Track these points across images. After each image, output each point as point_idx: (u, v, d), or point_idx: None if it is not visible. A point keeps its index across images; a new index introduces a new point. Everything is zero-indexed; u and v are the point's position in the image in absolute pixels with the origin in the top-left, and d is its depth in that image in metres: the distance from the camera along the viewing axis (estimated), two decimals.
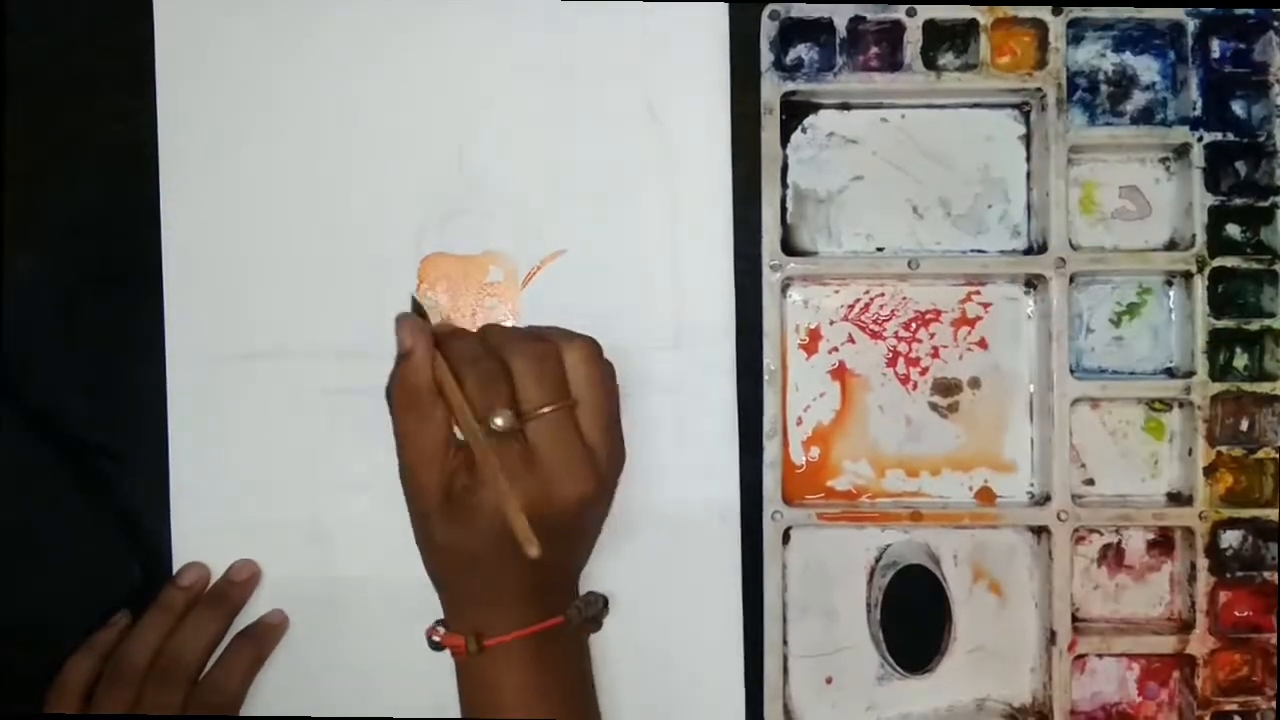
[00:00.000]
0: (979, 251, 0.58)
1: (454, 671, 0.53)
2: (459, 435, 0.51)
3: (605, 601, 0.56)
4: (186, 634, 0.56)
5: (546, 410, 0.50)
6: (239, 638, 0.57)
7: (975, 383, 0.59)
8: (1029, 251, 0.58)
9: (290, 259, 0.58)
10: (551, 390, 0.51)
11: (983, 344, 0.59)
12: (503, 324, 0.57)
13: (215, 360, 0.58)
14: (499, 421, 0.49)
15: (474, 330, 0.54)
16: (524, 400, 0.50)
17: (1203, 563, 0.57)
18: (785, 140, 0.58)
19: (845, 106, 0.58)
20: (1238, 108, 0.57)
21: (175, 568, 0.58)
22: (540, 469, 0.50)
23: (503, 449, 0.50)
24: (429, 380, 0.51)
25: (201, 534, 0.58)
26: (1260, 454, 0.57)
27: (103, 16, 0.58)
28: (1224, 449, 0.57)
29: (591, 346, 0.52)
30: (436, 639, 0.53)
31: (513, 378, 0.50)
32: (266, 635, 0.57)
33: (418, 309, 0.55)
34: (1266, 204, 0.57)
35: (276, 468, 0.58)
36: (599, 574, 0.57)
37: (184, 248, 0.58)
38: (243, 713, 0.56)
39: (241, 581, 0.57)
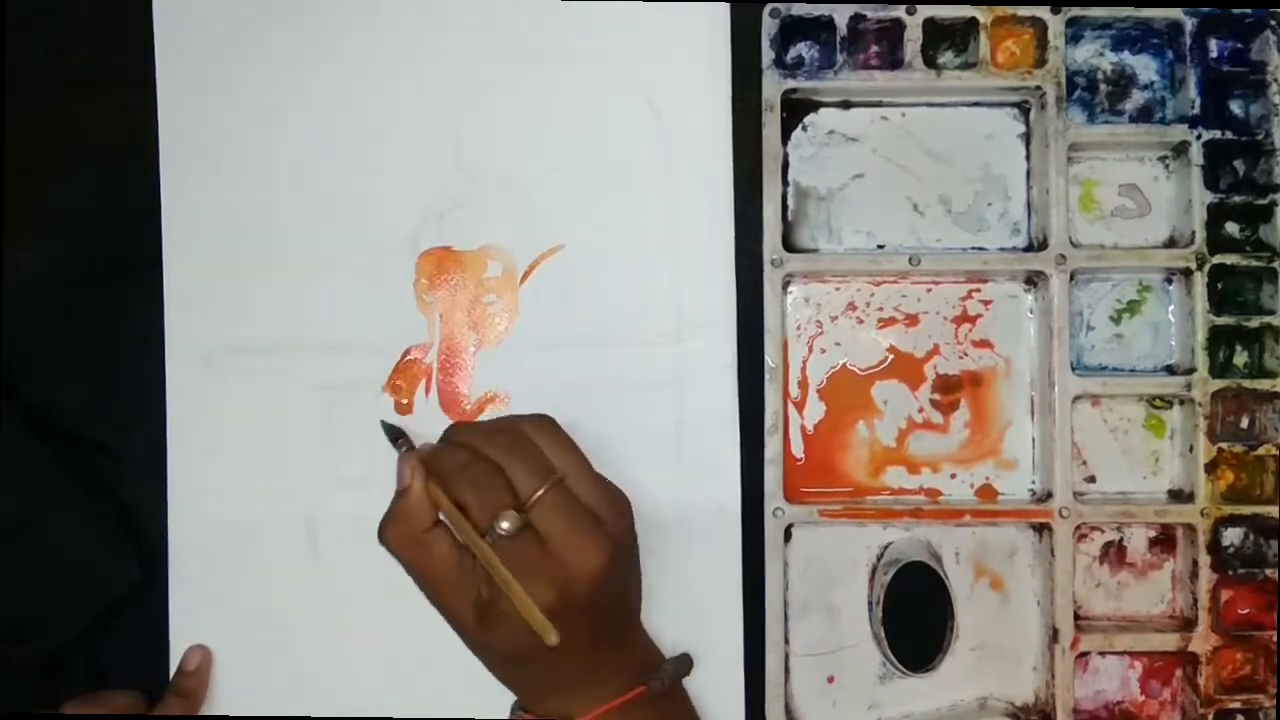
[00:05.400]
0: (979, 249, 0.59)
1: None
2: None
3: (689, 662, 0.55)
4: None
5: (542, 493, 0.49)
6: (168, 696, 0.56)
7: (976, 380, 0.59)
8: (1029, 249, 0.58)
9: (289, 254, 0.57)
10: (541, 472, 0.50)
11: (984, 341, 0.59)
12: (466, 421, 0.56)
13: (213, 355, 0.57)
14: (505, 525, 0.48)
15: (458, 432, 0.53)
16: (520, 491, 0.49)
17: (1205, 560, 0.56)
18: (786, 138, 0.58)
19: (846, 104, 0.59)
20: (1235, 106, 0.58)
21: (172, 564, 0.57)
22: (555, 553, 0.49)
23: (514, 547, 0.48)
24: (428, 512, 0.50)
25: (198, 529, 0.57)
26: (1261, 451, 0.57)
27: (103, 10, 0.58)
28: (1225, 446, 0.57)
29: (548, 419, 0.52)
30: None
31: (503, 473, 0.50)
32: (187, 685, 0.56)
33: (394, 434, 0.54)
34: (1265, 201, 0.57)
35: (274, 463, 0.57)
36: None
37: (183, 243, 0.57)
38: (243, 711, 0.56)
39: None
